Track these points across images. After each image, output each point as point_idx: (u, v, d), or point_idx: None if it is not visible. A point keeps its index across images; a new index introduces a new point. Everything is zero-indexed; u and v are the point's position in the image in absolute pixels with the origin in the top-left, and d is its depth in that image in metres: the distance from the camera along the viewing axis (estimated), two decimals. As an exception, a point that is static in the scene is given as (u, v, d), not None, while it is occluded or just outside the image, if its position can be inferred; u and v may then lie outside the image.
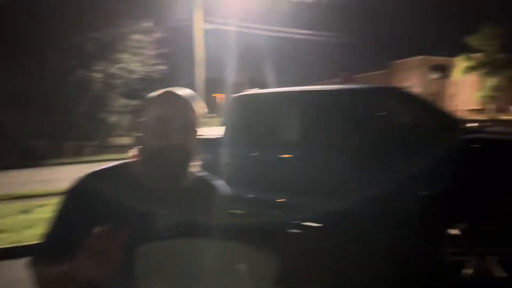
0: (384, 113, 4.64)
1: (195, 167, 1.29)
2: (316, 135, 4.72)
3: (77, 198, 1.23)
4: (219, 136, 5.28)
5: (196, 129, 1.28)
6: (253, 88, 5.75)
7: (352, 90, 4.93)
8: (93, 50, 18.81)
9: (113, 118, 20.50)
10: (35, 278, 1.18)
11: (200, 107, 1.31)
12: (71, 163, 16.37)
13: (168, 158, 1.21)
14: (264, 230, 4.68)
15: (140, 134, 1.28)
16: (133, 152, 1.28)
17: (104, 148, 19.54)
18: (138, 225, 1.18)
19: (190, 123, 1.26)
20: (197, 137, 1.29)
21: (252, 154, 5.04)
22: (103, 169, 1.29)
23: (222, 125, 5.43)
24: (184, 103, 1.28)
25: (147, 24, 20.09)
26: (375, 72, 43.02)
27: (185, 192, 1.29)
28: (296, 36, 21.61)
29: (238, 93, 5.60)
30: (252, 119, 5.19)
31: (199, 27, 17.62)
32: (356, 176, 4.29)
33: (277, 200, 4.83)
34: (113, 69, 19.75)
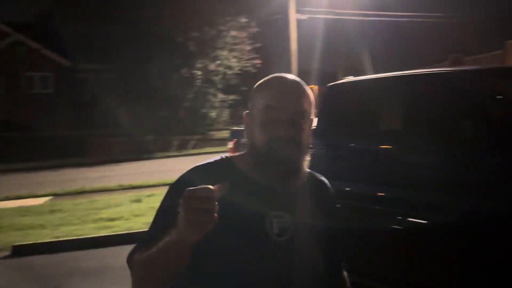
0: (501, 97, 4.14)
1: (307, 162, 1.13)
2: (420, 123, 4.37)
3: (180, 192, 1.05)
4: (312, 128, 5.16)
5: (309, 118, 1.12)
6: (349, 76, 5.52)
7: (466, 72, 4.42)
8: (194, 49, 19.76)
9: (213, 113, 21.37)
10: (132, 268, 1.07)
11: (311, 94, 1.16)
12: (177, 156, 17.47)
13: (279, 153, 1.06)
14: (365, 226, 4.48)
15: (247, 127, 1.15)
16: (231, 145, 1.27)
17: (206, 142, 20.49)
18: (243, 226, 1.06)
19: (302, 111, 1.10)
20: (311, 128, 1.13)
21: (349, 145, 4.85)
22: (207, 164, 1.17)
23: (316, 116, 5.31)
24: (296, 88, 1.12)
25: (242, 20, 20.54)
26: (488, 54, 39.12)
27: (297, 191, 1.14)
28: (398, 19, 20.43)
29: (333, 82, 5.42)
30: (348, 108, 4.98)
31: (293, 18, 17.55)
32: (471, 169, 3.89)
33: (379, 194, 4.58)
34: (213, 65, 20.56)
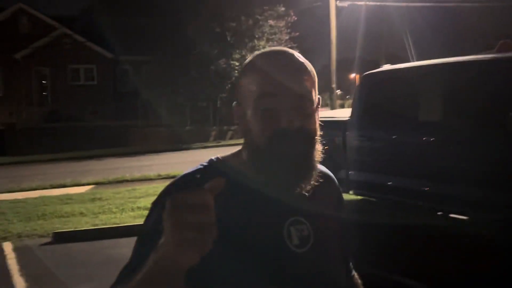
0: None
1: (319, 155, 0.91)
2: (463, 114, 4.11)
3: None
4: (346, 118, 4.97)
5: (316, 99, 0.90)
6: (387, 64, 5.30)
7: None
8: (232, 39, 19.78)
9: (251, 104, 21.40)
10: None
11: (312, 67, 0.92)
12: (214, 146, 17.65)
13: (285, 149, 0.85)
14: (404, 222, 4.32)
15: (240, 121, 0.93)
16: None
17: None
18: (254, 239, 0.86)
19: (307, 93, 0.88)
20: (318, 111, 0.92)
21: (386, 136, 4.66)
22: (198, 170, 0.93)
23: (353, 106, 5.13)
24: (293, 64, 0.89)
25: (280, 9, 20.35)
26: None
27: (309, 190, 0.92)
28: (445, 4, 19.55)
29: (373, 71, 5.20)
30: (384, 98, 4.78)
31: (333, 5, 17.18)
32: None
33: (418, 188, 4.36)
34: (250, 56, 20.50)
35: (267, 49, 0.95)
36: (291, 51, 0.92)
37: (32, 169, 13.72)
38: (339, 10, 17.20)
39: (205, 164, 0.95)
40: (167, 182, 0.96)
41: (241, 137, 0.96)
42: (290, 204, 0.91)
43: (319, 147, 0.90)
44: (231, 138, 20.44)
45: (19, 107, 22.19)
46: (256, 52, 0.96)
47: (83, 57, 23.73)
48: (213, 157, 0.97)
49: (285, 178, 0.87)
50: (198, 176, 0.91)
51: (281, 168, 0.86)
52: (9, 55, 22.79)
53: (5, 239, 5.71)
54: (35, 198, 8.06)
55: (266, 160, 0.87)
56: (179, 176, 0.93)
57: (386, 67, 5.12)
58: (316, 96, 0.90)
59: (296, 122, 0.86)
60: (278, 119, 0.86)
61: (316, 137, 0.90)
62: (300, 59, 0.90)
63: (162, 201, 0.78)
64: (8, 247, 5.43)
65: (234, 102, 0.95)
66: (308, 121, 0.88)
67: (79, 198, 7.98)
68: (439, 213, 4.61)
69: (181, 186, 0.90)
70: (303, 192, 0.89)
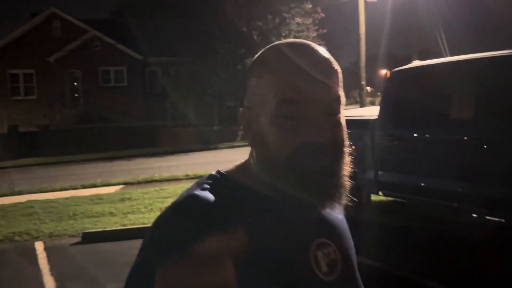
0: None
1: (349, 170, 0.76)
2: (497, 111, 3.91)
3: (168, 252, 0.68)
4: (374, 117, 4.83)
5: (343, 104, 0.75)
6: (416, 60, 5.12)
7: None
8: (258, 38, 19.74)
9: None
10: None
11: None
12: (241, 146, 17.66)
13: (313, 166, 0.70)
14: (437, 225, 4.16)
15: (249, 128, 0.77)
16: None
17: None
18: (277, 267, 0.71)
19: (337, 98, 0.73)
20: (344, 117, 0.77)
21: (416, 135, 4.49)
22: (205, 190, 0.73)
23: (381, 104, 4.98)
24: (323, 62, 0.73)
25: (307, 6, 20.17)
26: None
27: (333, 213, 0.80)
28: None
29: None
30: (413, 95, 4.61)
31: (362, 0, 16.92)
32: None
33: (451, 189, 4.17)
34: (277, 54, 20.43)
35: (284, 41, 0.77)
36: (313, 44, 0.75)
37: (64, 170, 14.09)
38: (366, 5, 16.90)
39: (208, 179, 0.76)
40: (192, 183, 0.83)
41: (249, 146, 0.77)
42: (315, 224, 0.77)
43: (348, 159, 0.75)
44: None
45: (52, 109, 22.87)
46: (270, 45, 0.77)
47: (113, 59, 24.24)
48: (213, 172, 0.78)
49: (309, 198, 0.72)
50: (211, 197, 0.71)
51: (304, 187, 0.71)
52: (43, 58, 23.53)
53: (37, 238, 5.86)
54: (67, 198, 8.24)
55: (287, 177, 0.71)
56: (187, 196, 0.72)
57: (416, 63, 4.94)
58: (343, 98, 0.75)
59: (324, 133, 0.70)
60: (303, 130, 0.70)
61: (345, 148, 0.74)
62: (325, 55, 0.74)
63: (167, 239, 0.66)
64: (40, 246, 5.57)
65: (243, 107, 0.79)
66: (337, 130, 0.73)
67: (109, 198, 8.11)
68: (474, 215, 4.42)
69: (198, 212, 0.69)
70: (326, 209, 0.76)
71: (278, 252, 0.71)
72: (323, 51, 0.75)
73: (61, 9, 24.97)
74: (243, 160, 0.81)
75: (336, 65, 0.74)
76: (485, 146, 3.89)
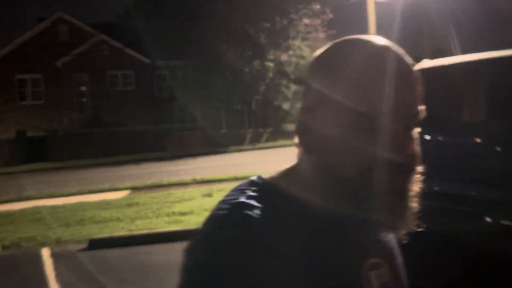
0: None
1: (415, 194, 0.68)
2: (509, 114, 3.78)
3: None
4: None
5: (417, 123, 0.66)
6: (425, 60, 4.98)
7: None
8: (266, 40, 19.67)
9: (286, 105, 21.18)
10: None
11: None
12: (250, 150, 17.55)
13: (385, 185, 0.63)
14: (450, 230, 4.00)
15: (307, 132, 0.67)
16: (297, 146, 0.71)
17: (279, 134, 20.38)
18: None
19: (417, 113, 0.65)
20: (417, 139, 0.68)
21: (428, 138, 4.35)
22: (251, 202, 0.65)
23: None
24: (412, 75, 0.65)
25: (315, 7, 20.06)
26: None
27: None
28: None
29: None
30: (424, 96, 4.47)
31: (371, 0, 16.79)
32: None
33: (466, 193, 4.02)
34: (285, 56, 20.32)
35: (362, 38, 0.68)
36: (396, 48, 0.66)
37: (72, 174, 14.09)
38: (376, 5, 16.76)
39: (251, 186, 0.68)
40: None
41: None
42: (368, 242, 0.70)
43: (419, 178, 0.66)
44: (266, 141, 20.30)
45: (60, 113, 22.94)
46: (342, 42, 0.69)
47: (121, 63, 24.29)
48: (254, 178, 0.70)
49: (374, 219, 0.65)
50: (260, 209, 0.64)
51: (372, 207, 0.63)
52: (50, 63, 23.63)
53: (44, 244, 5.79)
54: (74, 204, 8.19)
55: (353, 194, 0.64)
56: (233, 209, 0.64)
57: (426, 62, 4.80)
58: (424, 111, 0.65)
59: (405, 150, 0.63)
60: (380, 145, 0.62)
61: (419, 166, 0.66)
62: (409, 61, 0.65)
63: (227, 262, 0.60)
64: (46, 253, 5.50)
65: (301, 108, 0.69)
66: (415, 146, 0.65)
67: (117, 203, 8.05)
68: (487, 219, 4.26)
69: (252, 227, 0.62)
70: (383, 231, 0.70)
71: (330, 273, 0.64)
72: (407, 57, 0.67)
73: (68, 13, 25.13)
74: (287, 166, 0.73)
75: (418, 74, 0.67)
76: (498, 149, 3.75)
